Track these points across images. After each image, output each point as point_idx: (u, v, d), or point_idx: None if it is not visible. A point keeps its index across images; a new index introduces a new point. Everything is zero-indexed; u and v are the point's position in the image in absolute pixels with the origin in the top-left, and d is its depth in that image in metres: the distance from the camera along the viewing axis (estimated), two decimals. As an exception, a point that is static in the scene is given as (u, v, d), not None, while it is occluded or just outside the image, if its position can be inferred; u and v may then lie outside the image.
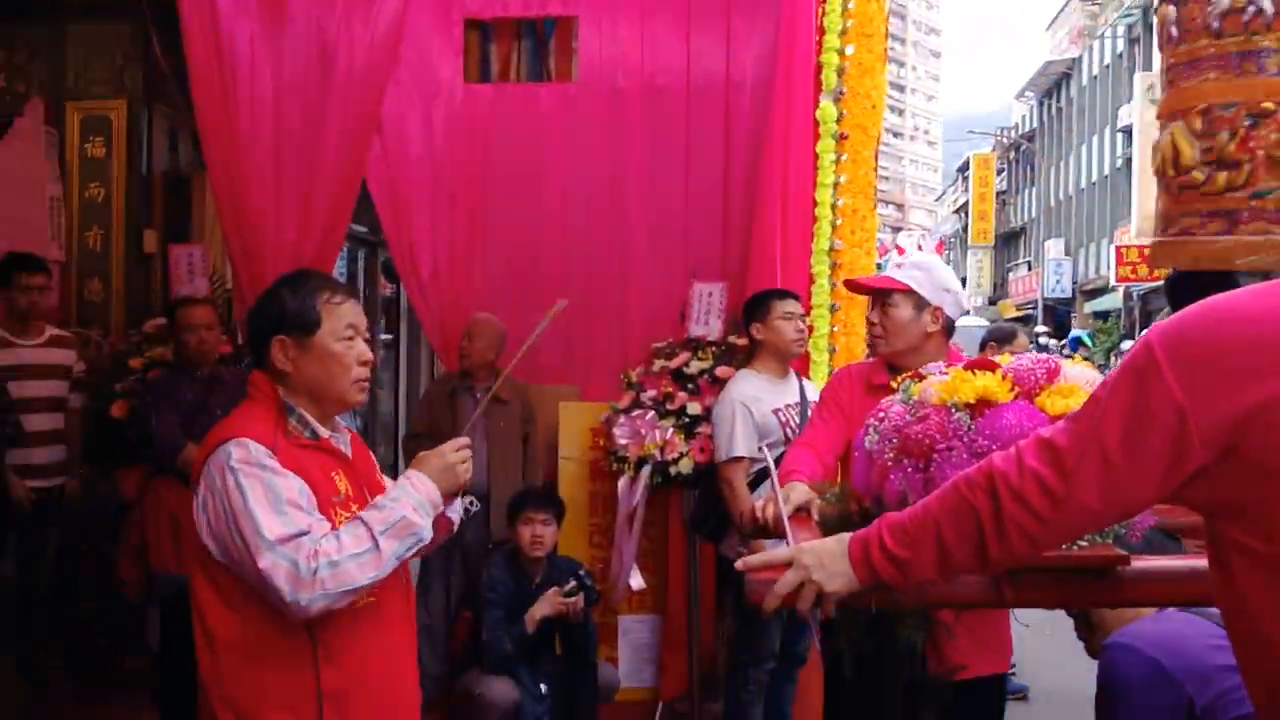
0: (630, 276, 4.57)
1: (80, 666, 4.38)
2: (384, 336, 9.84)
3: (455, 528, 2.03)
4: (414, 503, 1.76)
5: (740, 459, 3.29)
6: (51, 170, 4.82)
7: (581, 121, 4.64)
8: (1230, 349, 1.02)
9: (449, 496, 1.87)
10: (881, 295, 2.45)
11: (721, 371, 3.76)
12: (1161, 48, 3.23)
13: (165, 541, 3.82)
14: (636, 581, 3.97)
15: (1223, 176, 2.87)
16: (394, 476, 2.02)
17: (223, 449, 1.70)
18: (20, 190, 4.66)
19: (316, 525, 1.69)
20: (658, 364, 3.96)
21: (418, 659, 3.79)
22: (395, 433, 9.74)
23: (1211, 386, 1.02)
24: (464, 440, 1.90)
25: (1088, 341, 17.34)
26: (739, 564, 1.47)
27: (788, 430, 3.34)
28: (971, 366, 1.81)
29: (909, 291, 2.42)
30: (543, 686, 3.60)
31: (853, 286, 2.65)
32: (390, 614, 1.85)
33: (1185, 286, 3.33)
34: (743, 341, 3.82)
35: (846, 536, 1.40)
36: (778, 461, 2.51)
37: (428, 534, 1.77)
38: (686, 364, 3.88)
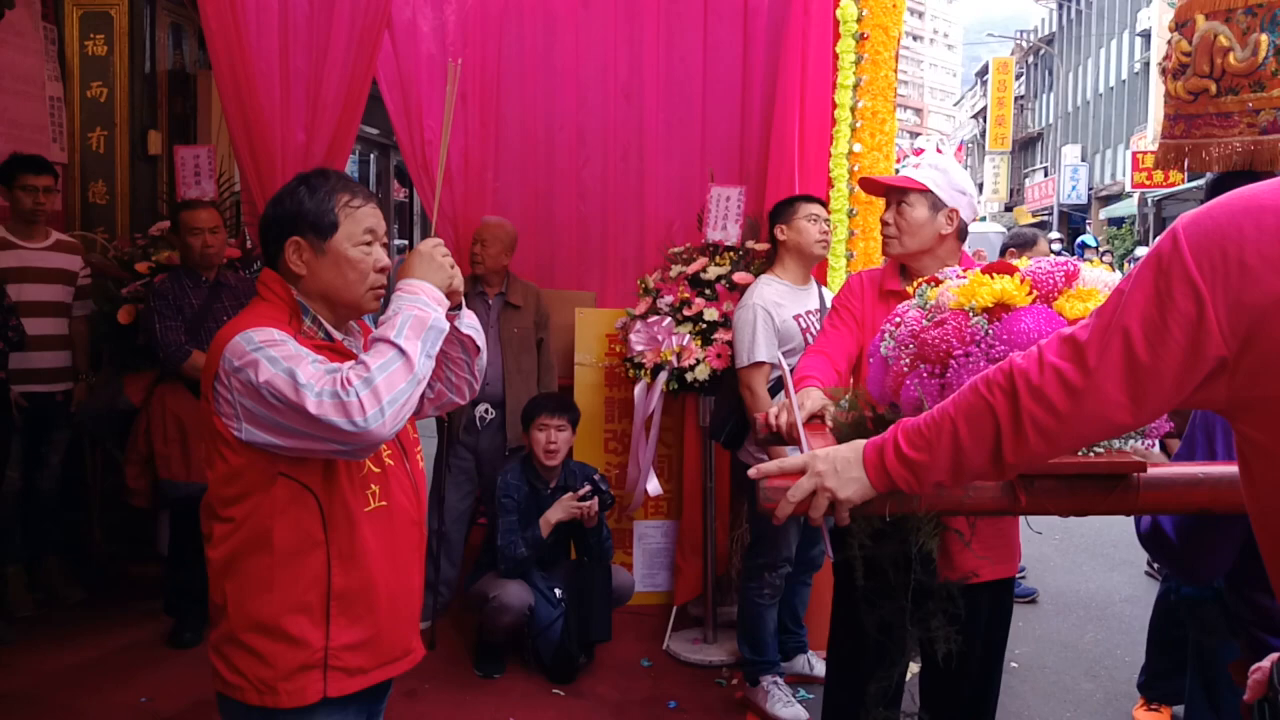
0: (647, 180, 4.51)
1: (89, 574, 4.42)
2: (397, 242, 9.81)
3: (479, 342, 2.00)
4: (416, 303, 1.73)
5: (762, 364, 3.28)
6: (50, 69, 4.71)
7: (597, 21, 4.52)
8: (1252, 239, 1.00)
9: (448, 293, 1.83)
10: (898, 194, 2.40)
11: (739, 277, 3.73)
12: None
13: (174, 448, 3.83)
14: (654, 487, 4.02)
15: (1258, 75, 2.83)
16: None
17: (241, 336, 1.67)
18: (17, 89, 4.53)
19: (343, 365, 1.67)
20: (675, 269, 3.93)
21: (435, 564, 3.92)
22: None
23: (1233, 277, 1.00)
24: (435, 240, 1.86)
25: (1093, 244, 17.14)
26: (752, 471, 1.46)
27: (808, 336, 3.32)
28: (990, 270, 1.78)
29: (925, 191, 2.37)
30: (557, 591, 3.68)
31: (868, 185, 2.55)
32: (401, 518, 1.84)
33: (1227, 188, 3.27)
34: (761, 246, 3.79)
35: (861, 443, 1.38)
36: (791, 369, 2.51)
37: (443, 322, 1.75)
38: (704, 269, 3.84)
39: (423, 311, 1.71)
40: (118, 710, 3.31)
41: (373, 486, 1.79)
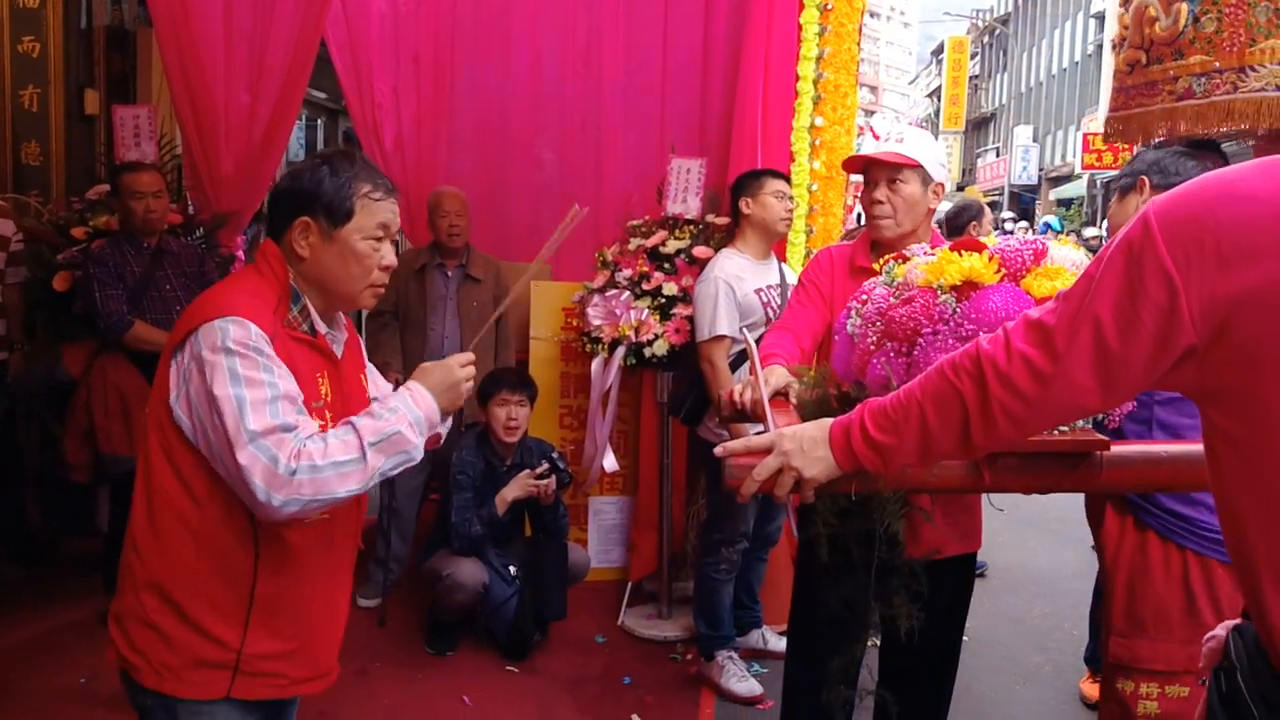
0: (605, 150, 4.44)
1: (27, 550, 4.28)
2: (345, 210, 9.61)
3: (441, 442, 1.94)
4: (411, 419, 1.66)
5: (723, 338, 3.25)
6: (-24, 20, 4.50)
7: (555, -16, 4.43)
8: (1226, 227, 0.98)
9: (446, 414, 1.78)
10: (890, 171, 2.30)
11: (699, 251, 3.69)
12: None
13: (115, 422, 3.70)
14: (611, 463, 3.98)
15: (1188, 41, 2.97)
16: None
17: (220, 324, 1.57)
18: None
19: (305, 424, 1.59)
20: (634, 243, 3.87)
21: (386, 540, 3.85)
22: (359, 311, 9.62)
23: (1205, 265, 0.99)
24: (470, 356, 1.80)
25: (1057, 227, 17.44)
26: (718, 449, 1.45)
27: (769, 311, 3.30)
28: (958, 247, 1.76)
29: (917, 167, 2.30)
30: (511, 568, 3.64)
31: (856, 163, 2.41)
32: (341, 531, 1.78)
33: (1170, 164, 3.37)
34: (722, 220, 3.74)
35: (827, 422, 1.37)
36: (757, 343, 2.47)
37: (419, 454, 1.68)
38: (663, 243, 3.79)
39: (409, 435, 1.64)
40: (55, 692, 3.20)
41: None
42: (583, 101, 4.45)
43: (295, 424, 1.56)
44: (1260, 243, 0.96)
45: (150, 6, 3.98)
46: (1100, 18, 27.45)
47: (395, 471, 1.65)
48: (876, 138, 2.46)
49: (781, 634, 3.31)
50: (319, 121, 9.03)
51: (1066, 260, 1.72)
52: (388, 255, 1.74)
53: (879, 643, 2.29)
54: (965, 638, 2.52)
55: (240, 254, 4.59)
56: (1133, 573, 1.94)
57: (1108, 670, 1.98)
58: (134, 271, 3.67)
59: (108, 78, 4.89)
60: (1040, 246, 1.72)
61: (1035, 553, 5.16)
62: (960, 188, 39.82)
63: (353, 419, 1.64)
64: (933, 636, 2.09)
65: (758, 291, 3.31)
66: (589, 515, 4.29)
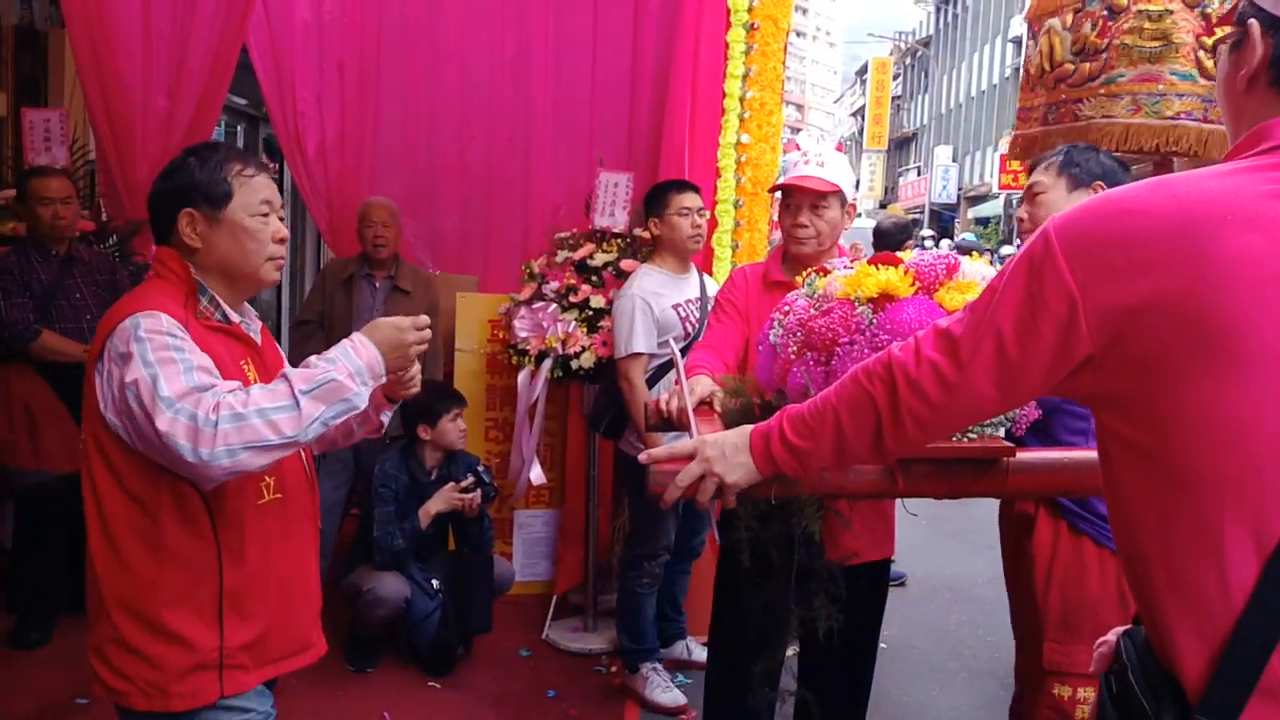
0: (533, 163, 4.44)
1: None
2: (267, 220, 9.42)
3: (383, 430, 1.94)
4: (351, 368, 1.63)
5: (639, 355, 3.27)
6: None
7: (482, -3, 4.42)
8: (1121, 242, 1.03)
9: (393, 376, 1.76)
10: (814, 197, 2.37)
11: (627, 264, 3.71)
12: None
13: (20, 435, 3.56)
14: (537, 476, 3.97)
15: (1086, 66, 3.17)
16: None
17: (130, 319, 1.57)
18: None
19: (223, 384, 1.57)
20: (561, 255, 3.88)
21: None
22: (277, 320, 9.42)
23: (1101, 277, 1.03)
24: (425, 320, 1.77)
25: (975, 239, 18.06)
26: (642, 456, 1.47)
27: (687, 325, 3.33)
28: (875, 261, 1.82)
29: (838, 191, 2.39)
30: (434, 582, 3.60)
31: (790, 188, 2.41)
32: (296, 510, 1.78)
33: None
34: (649, 234, 3.78)
35: (748, 429, 1.41)
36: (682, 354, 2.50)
37: (361, 402, 1.65)
38: (591, 256, 3.80)
39: (347, 383, 1.61)
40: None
41: (267, 479, 1.72)
42: (511, 114, 4.45)
43: (211, 384, 1.55)
44: (1151, 255, 1.00)
45: (63, 7, 3.87)
46: (1018, 42, 28.37)
47: (337, 420, 1.62)
48: (796, 147, 2.54)
49: (705, 644, 3.33)
50: (239, 128, 8.84)
51: (977, 274, 1.79)
52: (279, 228, 1.75)
53: (798, 647, 2.33)
54: (883, 644, 2.58)
55: (156, 262, 4.47)
56: (1067, 579, 2.00)
57: (1038, 678, 2.03)
58: (41, 280, 3.56)
59: (16, 79, 4.74)
60: (953, 261, 1.78)
61: (951, 561, 5.29)
62: (883, 205, 40.74)
63: (286, 369, 1.64)
64: (850, 639, 2.14)
65: (676, 306, 3.34)
66: (514, 528, 4.27)
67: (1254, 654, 0.97)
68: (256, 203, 1.72)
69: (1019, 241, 2.20)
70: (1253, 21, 1.08)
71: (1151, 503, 1.05)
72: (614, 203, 3.87)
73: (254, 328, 1.81)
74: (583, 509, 3.99)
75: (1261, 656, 0.97)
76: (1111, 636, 1.20)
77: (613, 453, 3.92)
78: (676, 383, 1.87)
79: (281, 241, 1.75)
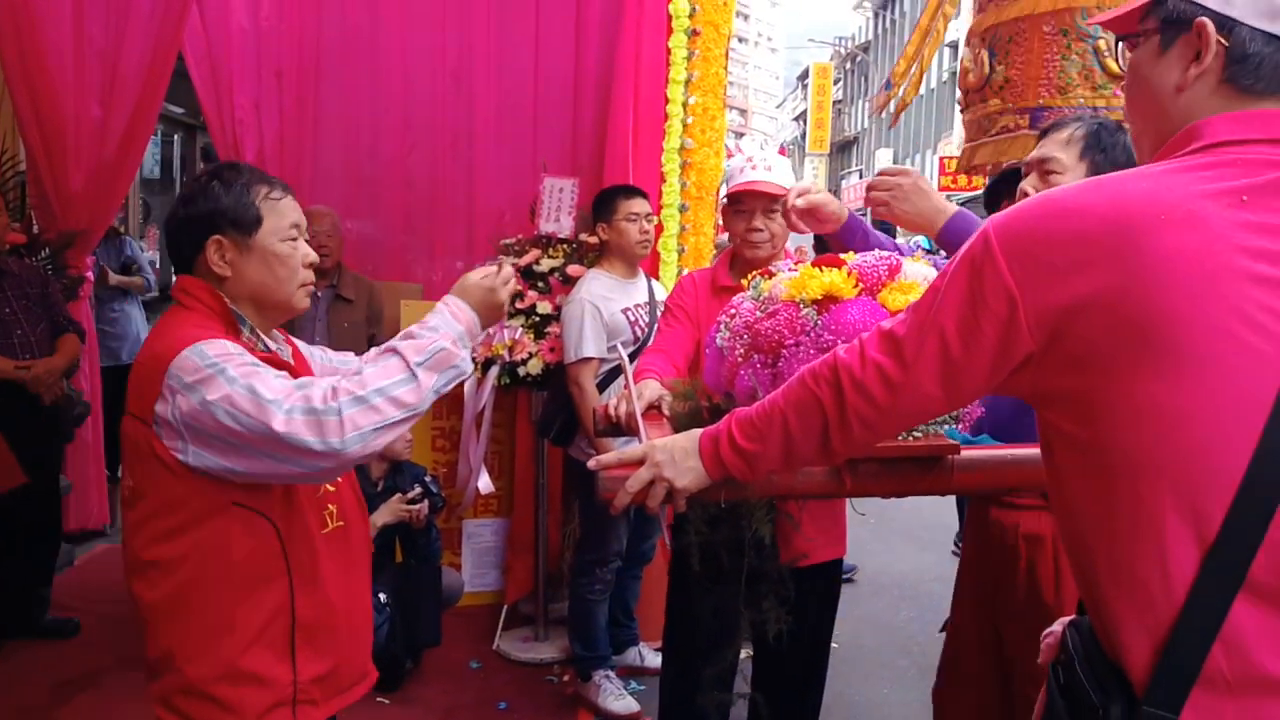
0: (477, 169, 4.41)
1: None
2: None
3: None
4: (454, 334, 1.59)
5: (589, 360, 3.27)
6: None
7: (424, 3, 4.38)
8: (1059, 242, 1.05)
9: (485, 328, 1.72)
10: (768, 201, 2.39)
11: (573, 270, 3.70)
12: None
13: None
14: (485, 485, 3.94)
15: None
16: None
17: (189, 350, 1.48)
18: None
19: (318, 381, 1.51)
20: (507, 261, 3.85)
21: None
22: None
23: (1040, 277, 1.05)
24: (510, 272, 1.72)
25: (927, 245, 18.40)
26: (591, 463, 1.47)
27: (637, 330, 3.34)
28: (819, 263, 1.83)
29: (787, 195, 2.41)
30: (381, 595, 3.55)
31: (744, 193, 2.43)
32: (356, 538, 1.74)
33: (997, 189, 3.60)
34: (594, 239, 3.78)
35: (697, 433, 1.41)
36: (631, 360, 2.50)
37: (468, 367, 1.61)
38: (537, 261, 3.79)
39: (454, 349, 1.57)
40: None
41: (330, 506, 1.67)
42: (454, 120, 4.42)
43: (306, 381, 1.50)
44: (1088, 254, 1.02)
45: (-12, 11, 3.77)
46: (954, 47, 28.87)
47: (447, 389, 1.58)
48: (739, 152, 2.56)
49: (658, 650, 3.33)
50: (176, 137, 8.68)
51: (919, 275, 1.81)
52: (308, 251, 1.69)
53: (752, 650, 2.34)
54: (835, 644, 2.60)
55: (89, 275, 4.37)
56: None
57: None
58: (-31, 294, 3.45)
59: (-61, 86, 4.59)
60: (895, 262, 1.81)
61: (900, 558, 5.36)
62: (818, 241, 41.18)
63: (392, 342, 1.57)
64: (802, 641, 2.16)
65: (625, 311, 3.34)
66: (463, 539, 4.23)
67: (1196, 644, 0.99)
68: (286, 226, 1.66)
69: None
70: (1205, 21, 1.11)
71: (1093, 497, 1.07)
72: (559, 208, 3.86)
73: (286, 351, 1.76)
74: (532, 517, 3.96)
75: (1203, 646, 0.99)
76: (1058, 627, 1.22)
77: (562, 459, 3.90)
78: (625, 387, 1.87)
79: (310, 266, 1.69)
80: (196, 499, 1.52)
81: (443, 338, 1.58)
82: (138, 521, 1.56)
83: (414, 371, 1.52)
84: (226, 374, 1.47)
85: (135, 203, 7.62)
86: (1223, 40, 1.09)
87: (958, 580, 2.17)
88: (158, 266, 7.64)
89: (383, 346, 1.60)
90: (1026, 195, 2.01)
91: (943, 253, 2.20)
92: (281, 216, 1.66)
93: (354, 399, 1.46)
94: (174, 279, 1.71)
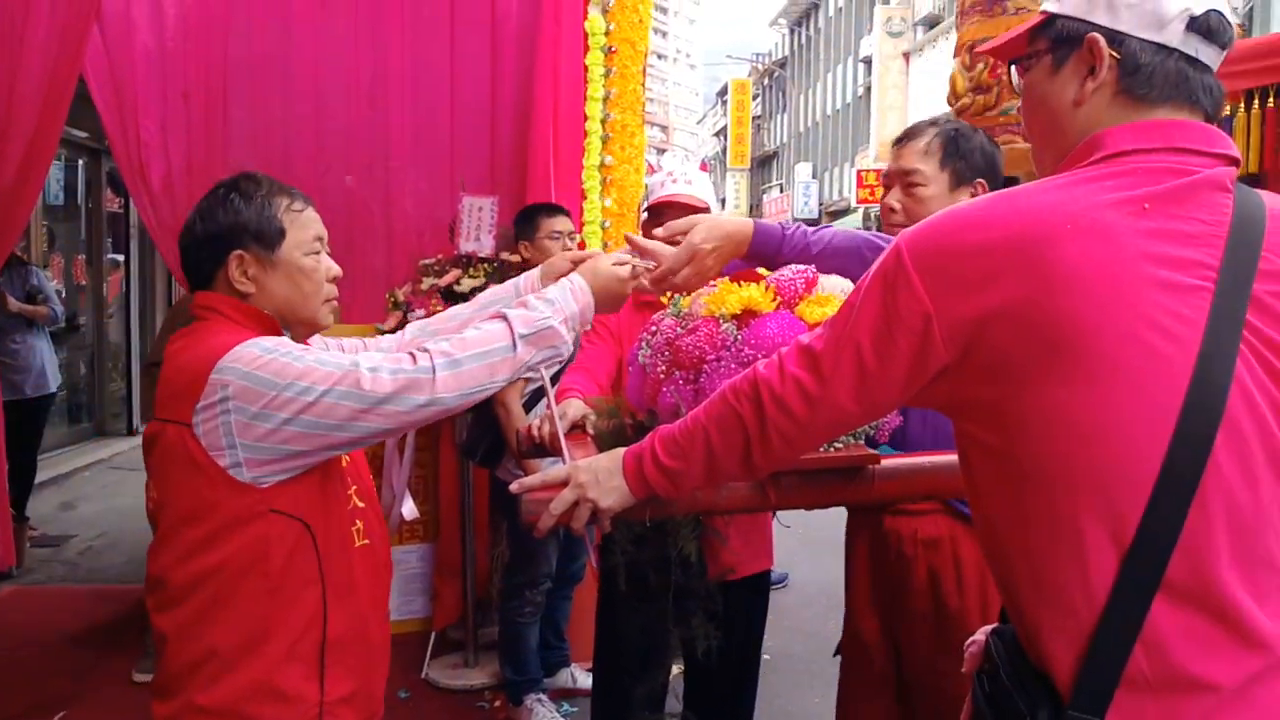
0: (394, 189, 4.35)
1: None
2: (111, 256, 8.95)
3: None
4: (567, 313, 1.56)
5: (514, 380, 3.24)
6: None
7: (337, 23, 4.31)
8: (968, 255, 1.07)
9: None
10: (688, 213, 2.41)
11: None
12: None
13: None
14: (410, 510, 3.87)
15: (980, 99, 3.45)
16: (128, 415, 1.81)
17: (246, 345, 1.44)
18: None
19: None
20: (426, 282, 3.81)
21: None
22: (127, 361, 8.95)
23: (952, 290, 1.07)
24: (646, 266, 1.71)
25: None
26: (514, 486, 1.46)
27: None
28: (737, 279, 1.85)
29: (707, 208, 2.44)
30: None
31: (664, 206, 2.45)
32: (379, 559, 1.69)
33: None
34: (517, 258, 3.75)
35: (620, 452, 1.41)
36: (553, 380, 2.48)
37: (567, 351, 1.59)
38: (457, 281, 3.75)
39: (562, 329, 1.55)
40: None
41: (357, 523, 1.62)
42: (369, 140, 4.35)
43: (398, 344, 1.51)
44: (997, 267, 1.04)
45: None
46: (868, 62, 29.58)
47: (542, 366, 1.56)
48: (660, 168, 2.58)
49: (590, 670, 3.30)
50: (80, 162, 8.40)
51: (835, 288, 1.84)
52: (331, 265, 1.65)
53: (683, 667, 2.34)
54: (765, 655, 2.61)
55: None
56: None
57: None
58: None
59: None
60: (811, 275, 1.83)
61: (827, 567, 5.38)
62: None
63: (505, 310, 1.55)
64: (733, 655, 2.16)
65: (551, 329, 3.33)
66: (390, 565, 4.15)
67: (1118, 647, 1.01)
68: (309, 239, 1.60)
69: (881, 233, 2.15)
70: (1095, 36, 1.14)
71: (1011, 505, 1.09)
72: (479, 227, 3.83)
73: None
74: (459, 541, 3.91)
75: (1125, 648, 1.00)
76: (981, 635, 1.23)
77: (488, 481, 3.85)
78: (548, 408, 1.86)
79: (335, 280, 1.65)
80: (233, 503, 1.46)
81: (555, 314, 1.57)
82: (166, 534, 1.51)
83: (515, 343, 1.52)
84: (293, 353, 1.45)
85: (38, 230, 7.35)
86: (1115, 54, 1.13)
87: (849, 599, 2.13)
88: (64, 296, 7.38)
89: (495, 309, 1.59)
90: (893, 209, 2.06)
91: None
92: (304, 229, 1.61)
93: (450, 362, 1.46)
94: (191, 295, 1.66)
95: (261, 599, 1.48)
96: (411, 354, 1.49)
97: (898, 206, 2.05)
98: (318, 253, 1.63)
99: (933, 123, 2.06)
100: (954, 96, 3.89)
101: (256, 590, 1.48)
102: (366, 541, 1.65)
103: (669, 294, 1.99)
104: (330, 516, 1.56)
